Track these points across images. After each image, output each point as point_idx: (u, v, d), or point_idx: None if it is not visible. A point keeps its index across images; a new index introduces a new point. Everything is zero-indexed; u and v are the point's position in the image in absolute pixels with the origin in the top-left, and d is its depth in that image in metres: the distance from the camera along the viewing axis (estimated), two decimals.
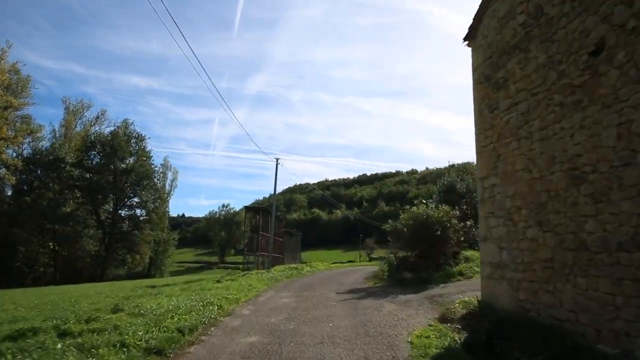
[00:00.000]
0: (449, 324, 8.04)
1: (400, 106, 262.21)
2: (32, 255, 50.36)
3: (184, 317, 8.57)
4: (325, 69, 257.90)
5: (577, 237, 5.93)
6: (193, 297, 11.52)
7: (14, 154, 50.88)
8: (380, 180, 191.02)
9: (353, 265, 40.17)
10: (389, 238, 18.76)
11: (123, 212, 60.13)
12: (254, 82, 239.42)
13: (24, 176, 51.17)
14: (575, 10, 6.08)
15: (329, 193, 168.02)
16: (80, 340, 6.54)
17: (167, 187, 70.49)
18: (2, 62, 41.41)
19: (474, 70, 9.50)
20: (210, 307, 9.82)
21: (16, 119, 47.80)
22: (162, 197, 64.67)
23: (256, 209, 32.01)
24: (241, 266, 33.50)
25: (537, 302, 6.82)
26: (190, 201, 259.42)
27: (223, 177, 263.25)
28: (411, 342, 6.81)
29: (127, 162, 58.37)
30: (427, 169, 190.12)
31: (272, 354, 6.37)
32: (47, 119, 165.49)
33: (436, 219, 16.55)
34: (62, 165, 52.88)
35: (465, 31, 9.63)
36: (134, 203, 60.63)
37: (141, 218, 60.77)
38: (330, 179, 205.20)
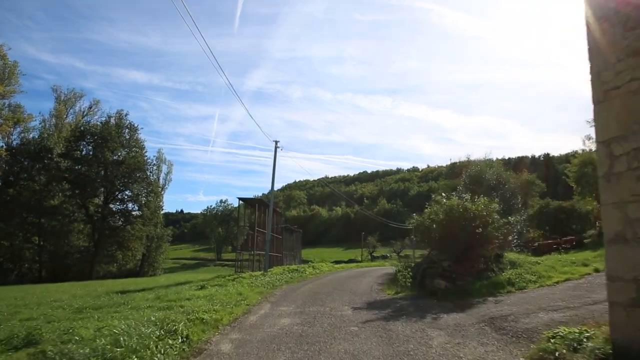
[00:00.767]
0: None
1: (398, 104, 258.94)
2: (16, 250, 47.21)
3: None
4: (323, 66, 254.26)
5: None
6: (155, 317, 8.12)
7: (3, 145, 48.08)
8: (381, 178, 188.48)
9: (359, 266, 36.78)
10: (412, 236, 15.34)
11: (114, 206, 57.18)
12: (253, 78, 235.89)
13: (10, 167, 48.17)
14: None
15: (329, 190, 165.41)
16: None
17: (162, 180, 67.20)
18: None
19: None
20: (171, 341, 6.39)
21: (4, 107, 44.65)
22: (155, 191, 61.38)
23: (252, 201, 28.50)
24: (237, 265, 30.06)
25: None
26: (189, 197, 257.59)
27: (222, 174, 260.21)
28: None
29: (119, 153, 55.25)
30: (428, 166, 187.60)
31: None
32: (45, 113, 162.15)
33: (477, 213, 13.16)
34: (50, 156, 49.86)
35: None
36: (126, 197, 57.69)
37: (133, 212, 57.72)
38: (330, 176, 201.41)
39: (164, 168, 67.97)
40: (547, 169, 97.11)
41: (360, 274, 23.10)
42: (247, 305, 11.16)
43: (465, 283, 12.28)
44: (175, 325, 7.11)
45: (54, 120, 57.77)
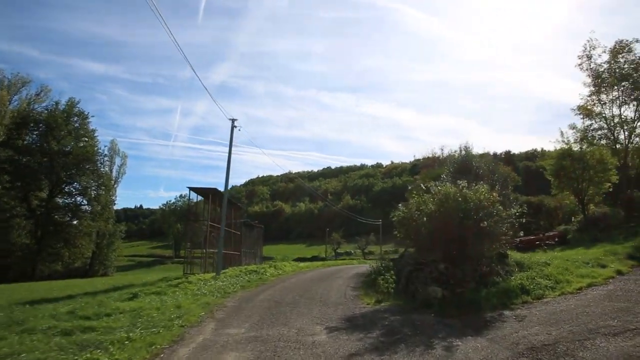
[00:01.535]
0: None
1: (362, 101, 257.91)
2: None
3: None
4: (287, 61, 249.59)
5: None
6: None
7: None
8: (345, 174, 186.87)
9: (325, 264, 34.00)
10: (395, 232, 12.59)
11: (61, 200, 52.53)
12: (217, 72, 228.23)
13: None
14: None
15: (292, 186, 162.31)
16: None
17: (114, 173, 61.66)
18: None
19: None
20: None
21: None
22: (106, 184, 56.44)
23: (204, 192, 24.99)
24: (195, 262, 26.67)
25: None
26: (150, 193, 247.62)
27: (184, 169, 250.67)
28: None
29: (67, 143, 50.64)
30: (392, 162, 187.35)
31: None
32: None
33: (478, 204, 10.62)
34: None
35: None
36: (73, 190, 52.81)
37: (82, 207, 53.17)
38: (294, 172, 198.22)
39: (118, 160, 62.40)
40: (509, 166, 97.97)
41: (329, 275, 20.36)
42: (181, 326, 8.11)
43: (466, 290, 9.74)
44: None
45: None
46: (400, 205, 12.52)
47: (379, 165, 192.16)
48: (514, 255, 12.16)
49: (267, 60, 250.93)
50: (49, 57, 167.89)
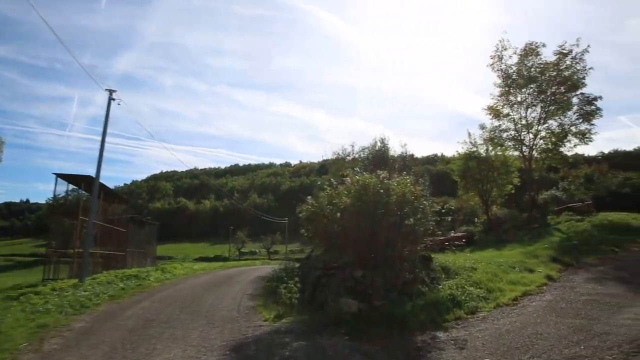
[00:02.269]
0: None
1: (274, 100, 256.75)
2: None
3: None
4: (199, 55, 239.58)
5: None
6: None
7: None
8: (253, 172, 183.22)
9: (225, 265, 31.12)
10: (303, 231, 10.38)
11: None
12: (122, 61, 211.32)
13: None
14: None
15: (197, 182, 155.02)
16: None
17: None
18: None
19: None
20: None
21: None
22: None
23: (75, 179, 20.92)
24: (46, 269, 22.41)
25: None
26: (39, 186, 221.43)
27: (81, 161, 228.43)
28: None
29: None
30: (300, 162, 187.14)
31: None
32: None
33: (402, 197, 8.80)
34: None
35: None
36: None
37: None
38: (200, 168, 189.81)
39: None
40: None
41: (226, 279, 17.74)
42: None
43: (387, 303, 7.84)
44: None
45: None
46: (309, 198, 10.36)
47: (287, 164, 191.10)
48: (439, 259, 10.58)
49: (178, 53, 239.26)
50: None
